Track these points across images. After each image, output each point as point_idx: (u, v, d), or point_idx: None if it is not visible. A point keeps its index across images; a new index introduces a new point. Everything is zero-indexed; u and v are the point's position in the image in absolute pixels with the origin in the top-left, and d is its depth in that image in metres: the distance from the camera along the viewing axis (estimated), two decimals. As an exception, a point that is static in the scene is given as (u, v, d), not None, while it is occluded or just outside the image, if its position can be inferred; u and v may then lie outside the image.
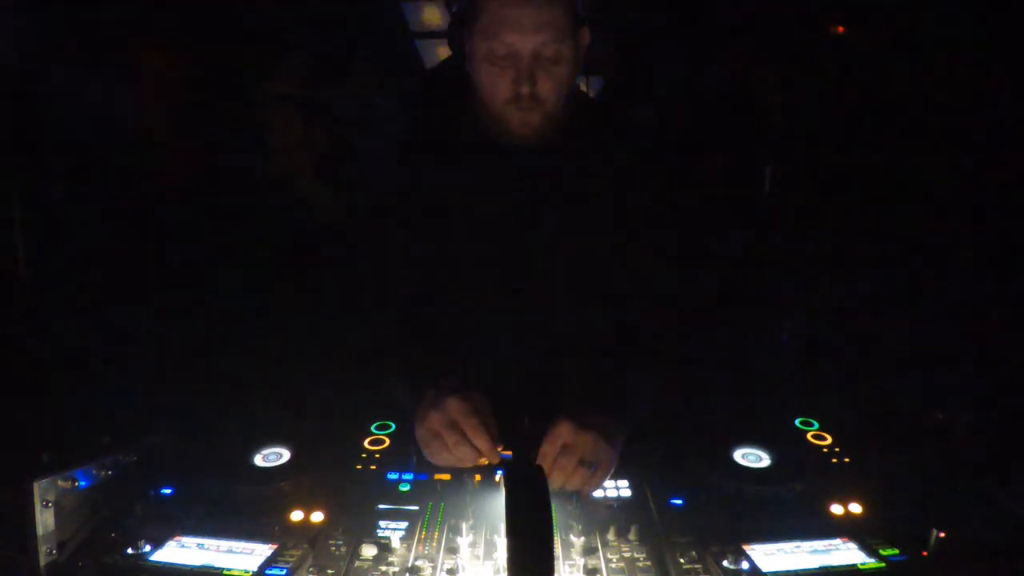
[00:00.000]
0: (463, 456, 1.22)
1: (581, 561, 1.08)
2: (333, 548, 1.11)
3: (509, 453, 1.29)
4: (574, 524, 1.16)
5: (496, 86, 1.32)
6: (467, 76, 1.39)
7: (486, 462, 1.24)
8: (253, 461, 1.32)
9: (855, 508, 1.21)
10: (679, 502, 1.23)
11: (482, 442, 1.22)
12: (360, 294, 1.60)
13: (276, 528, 1.16)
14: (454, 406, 1.23)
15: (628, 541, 1.13)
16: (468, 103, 1.44)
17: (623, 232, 1.48)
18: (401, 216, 1.53)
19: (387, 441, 1.43)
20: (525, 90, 1.30)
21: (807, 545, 1.10)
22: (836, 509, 1.21)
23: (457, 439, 1.21)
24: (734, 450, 1.33)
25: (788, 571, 1.04)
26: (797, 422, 1.49)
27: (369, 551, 1.09)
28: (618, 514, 1.19)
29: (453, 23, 1.39)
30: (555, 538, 1.09)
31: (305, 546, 1.09)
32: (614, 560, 1.09)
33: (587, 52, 1.41)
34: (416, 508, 1.22)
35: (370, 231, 1.61)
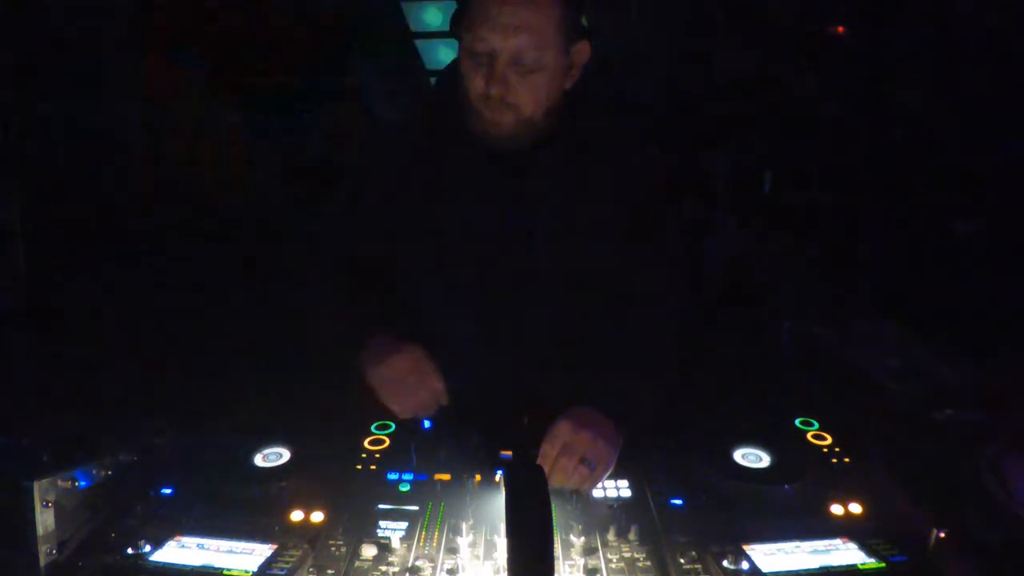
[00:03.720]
0: (424, 398, 1.35)
1: (581, 561, 1.08)
2: (333, 548, 1.11)
3: (509, 453, 1.29)
4: (574, 524, 1.16)
5: (471, 82, 1.32)
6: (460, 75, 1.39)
7: (435, 407, 1.36)
8: (253, 461, 1.32)
9: (855, 508, 1.21)
10: (679, 502, 1.23)
11: (440, 384, 1.35)
12: (346, 294, 1.59)
13: (276, 528, 1.16)
14: (414, 352, 1.36)
15: (628, 541, 1.13)
16: (462, 100, 1.43)
17: (621, 234, 1.47)
18: (390, 212, 1.52)
19: (387, 441, 1.42)
20: (494, 91, 1.28)
21: (807, 545, 1.10)
22: (836, 509, 1.21)
23: (416, 380, 1.34)
24: (734, 450, 1.33)
25: (788, 571, 1.04)
26: (797, 422, 1.48)
27: (369, 551, 1.09)
28: (618, 514, 1.19)
29: (453, 22, 1.39)
30: (555, 538, 1.08)
31: (305, 546, 1.09)
32: (614, 560, 1.09)
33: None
34: (416, 508, 1.21)
35: (362, 229, 1.61)
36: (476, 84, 1.31)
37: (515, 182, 1.44)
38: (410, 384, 1.35)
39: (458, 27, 1.35)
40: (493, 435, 1.35)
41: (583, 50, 1.36)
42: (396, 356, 1.36)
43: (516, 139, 1.37)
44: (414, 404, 1.36)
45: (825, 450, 1.39)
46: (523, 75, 1.29)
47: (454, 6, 1.36)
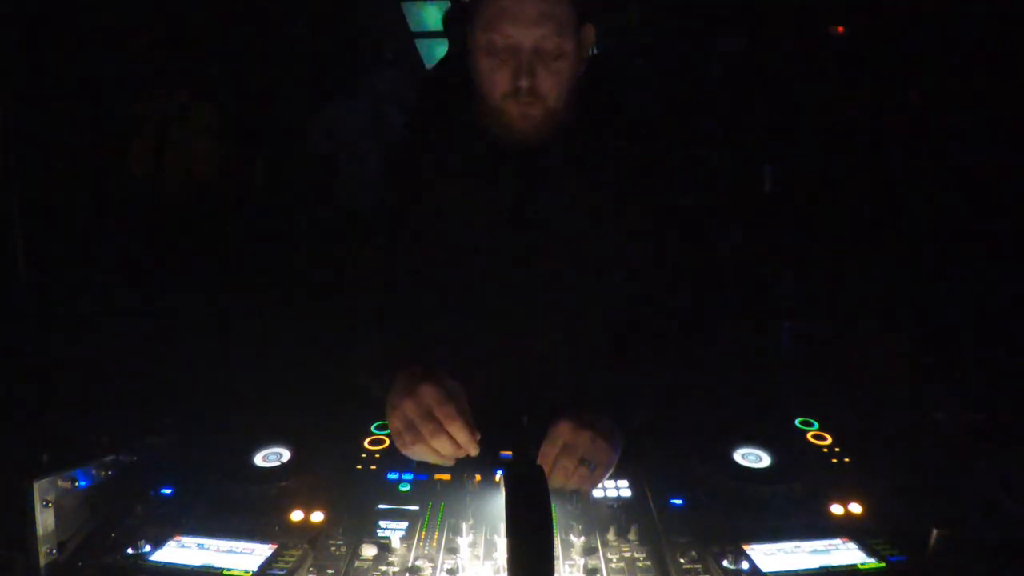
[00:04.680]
0: (441, 448, 1.15)
1: (581, 561, 1.08)
2: (333, 548, 1.11)
3: (509, 453, 1.29)
4: (574, 524, 1.16)
5: (495, 79, 1.31)
6: (467, 71, 1.39)
7: (462, 455, 1.17)
8: (253, 461, 1.32)
9: (855, 508, 1.21)
10: (679, 502, 1.23)
11: (460, 432, 1.15)
12: (355, 296, 1.59)
13: (276, 528, 1.16)
14: (428, 393, 1.15)
15: (628, 541, 1.13)
16: (469, 99, 1.43)
17: (625, 232, 1.47)
18: (400, 215, 1.53)
19: (387, 441, 1.42)
20: (524, 84, 1.28)
21: (807, 545, 1.10)
22: (836, 509, 1.21)
23: (433, 428, 1.14)
24: (734, 450, 1.33)
25: (788, 571, 1.04)
26: (797, 422, 1.49)
27: (369, 551, 1.09)
28: (618, 514, 1.19)
29: (450, 14, 1.38)
30: (555, 538, 1.08)
31: (305, 546, 1.09)
32: (614, 560, 1.09)
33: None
34: (416, 508, 1.21)
35: (368, 230, 1.61)
36: (501, 81, 1.30)
37: (523, 180, 1.44)
38: (429, 431, 1.15)
39: (469, 27, 1.33)
40: (493, 435, 1.35)
41: (589, 32, 1.36)
42: (407, 399, 1.16)
43: (541, 132, 1.36)
44: (428, 454, 1.18)
45: (825, 450, 1.39)
46: (547, 64, 1.29)
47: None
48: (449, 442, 1.16)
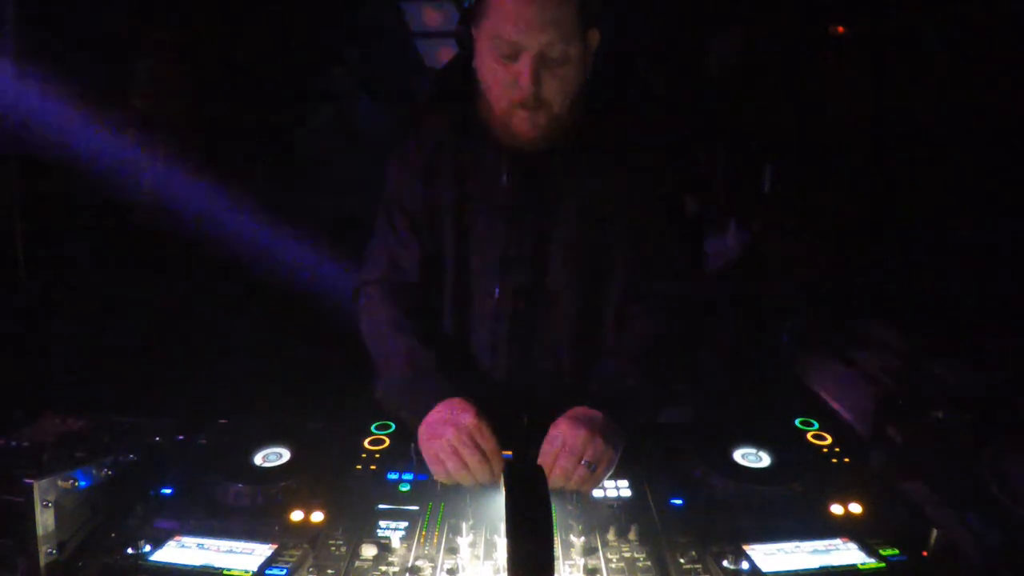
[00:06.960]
0: (481, 474, 1.23)
1: (581, 561, 1.08)
2: (333, 548, 1.11)
3: (509, 453, 1.29)
4: (574, 524, 1.16)
5: (501, 85, 1.31)
6: (474, 75, 1.38)
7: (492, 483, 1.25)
8: (253, 461, 1.32)
9: (855, 508, 1.21)
10: (679, 502, 1.23)
11: (499, 463, 1.24)
12: (359, 292, 1.60)
13: (276, 528, 1.16)
14: (474, 424, 1.25)
15: (628, 541, 1.13)
16: (474, 103, 1.43)
17: (628, 236, 1.47)
18: (404, 216, 1.52)
19: (387, 441, 1.43)
20: (530, 90, 1.28)
21: (807, 545, 1.10)
22: (836, 509, 1.21)
23: (479, 459, 1.22)
24: (734, 450, 1.33)
25: (788, 571, 1.04)
26: (797, 422, 1.49)
27: (369, 551, 1.09)
28: (618, 514, 1.19)
29: (461, 20, 1.38)
30: (555, 538, 1.08)
31: (305, 546, 1.09)
32: (614, 560, 1.09)
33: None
34: (416, 508, 1.22)
35: (372, 229, 1.61)
36: (507, 87, 1.30)
37: (527, 182, 1.43)
38: (475, 461, 1.23)
39: (476, 32, 1.33)
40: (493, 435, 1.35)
41: (594, 37, 1.36)
42: (452, 428, 1.25)
43: (547, 139, 1.36)
44: (466, 480, 1.25)
45: (825, 450, 1.39)
46: (553, 69, 1.29)
47: (452, 6, 1.35)
48: (488, 471, 1.24)
